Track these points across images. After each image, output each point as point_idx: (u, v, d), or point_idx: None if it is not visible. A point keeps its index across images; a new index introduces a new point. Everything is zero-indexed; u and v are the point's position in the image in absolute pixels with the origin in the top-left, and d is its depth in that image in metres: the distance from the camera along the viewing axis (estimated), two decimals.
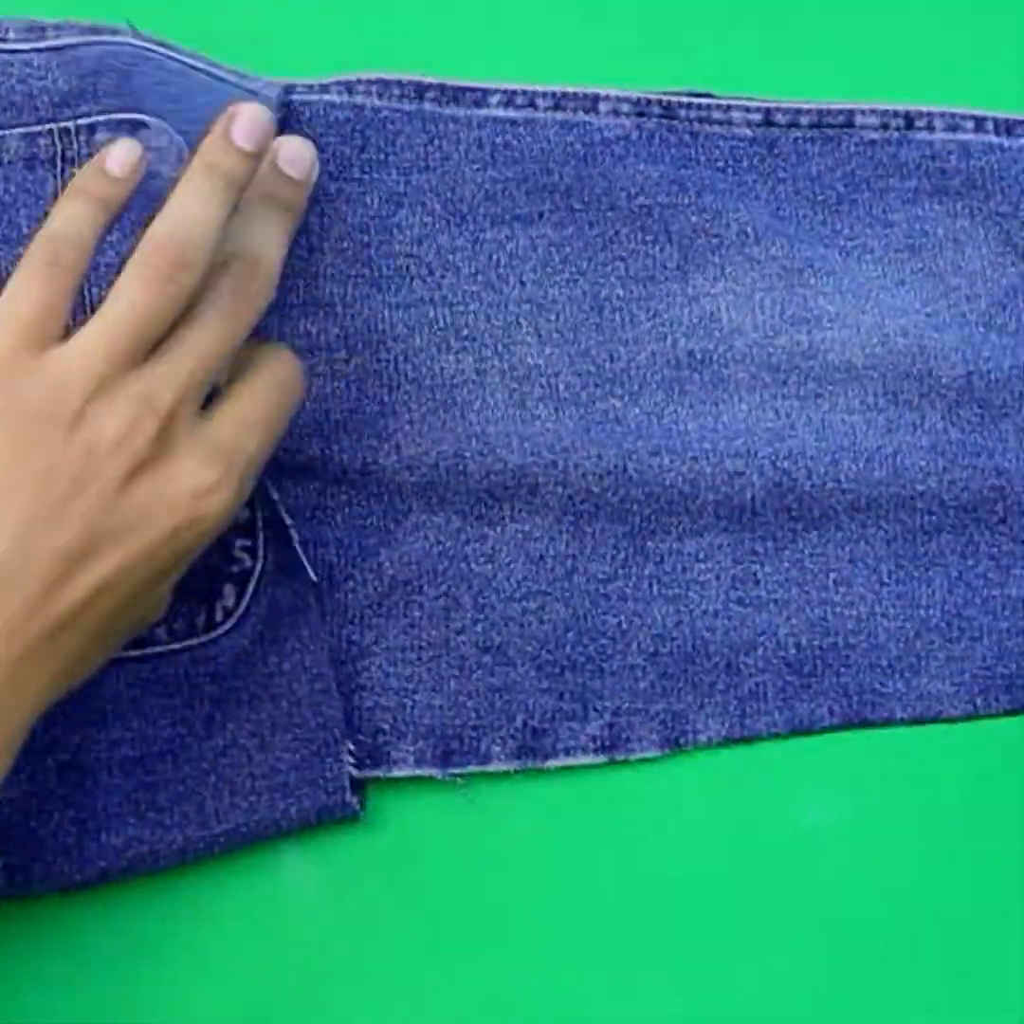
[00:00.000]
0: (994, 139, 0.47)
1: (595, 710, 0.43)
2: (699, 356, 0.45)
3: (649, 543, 0.44)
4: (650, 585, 0.44)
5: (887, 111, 0.47)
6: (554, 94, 0.45)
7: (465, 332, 0.44)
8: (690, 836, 0.45)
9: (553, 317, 0.45)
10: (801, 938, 0.44)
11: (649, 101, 0.46)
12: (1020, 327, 0.46)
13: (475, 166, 0.45)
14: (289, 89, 0.44)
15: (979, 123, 0.47)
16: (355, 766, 0.42)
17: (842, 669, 0.44)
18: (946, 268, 0.47)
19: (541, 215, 0.45)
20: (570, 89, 0.45)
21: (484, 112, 0.45)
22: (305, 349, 0.43)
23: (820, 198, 0.47)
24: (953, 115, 0.47)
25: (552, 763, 0.43)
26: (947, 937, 0.45)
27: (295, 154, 0.40)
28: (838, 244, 0.47)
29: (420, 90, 0.45)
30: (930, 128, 0.47)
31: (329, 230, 0.44)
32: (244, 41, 0.46)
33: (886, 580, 0.45)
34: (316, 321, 0.43)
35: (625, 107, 0.45)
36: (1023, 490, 0.46)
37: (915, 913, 0.45)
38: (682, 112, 0.46)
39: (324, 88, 0.44)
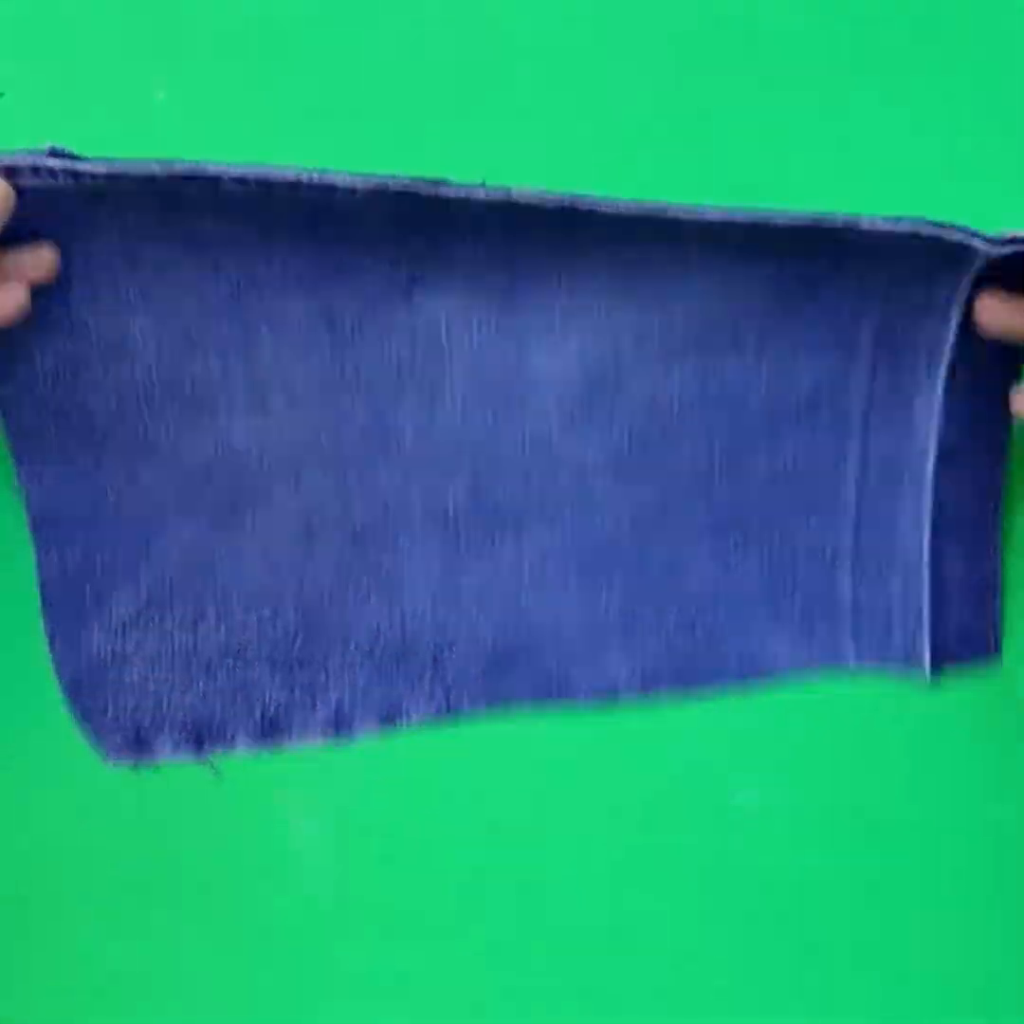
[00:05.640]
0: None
1: (322, 701, 0.51)
2: (419, 367, 0.49)
3: (370, 549, 0.50)
4: (369, 592, 0.51)
5: None
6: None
7: (208, 340, 0.48)
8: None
9: (290, 329, 0.48)
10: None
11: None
12: (745, 348, 0.49)
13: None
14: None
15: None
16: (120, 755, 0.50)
17: (534, 659, 0.52)
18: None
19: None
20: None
21: None
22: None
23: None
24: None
25: (288, 744, 0.51)
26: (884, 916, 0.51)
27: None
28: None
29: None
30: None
31: None
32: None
33: (570, 586, 0.51)
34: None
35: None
36: (684, 504, 0.51)
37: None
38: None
39: None
